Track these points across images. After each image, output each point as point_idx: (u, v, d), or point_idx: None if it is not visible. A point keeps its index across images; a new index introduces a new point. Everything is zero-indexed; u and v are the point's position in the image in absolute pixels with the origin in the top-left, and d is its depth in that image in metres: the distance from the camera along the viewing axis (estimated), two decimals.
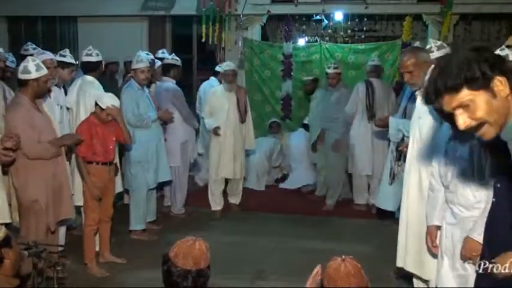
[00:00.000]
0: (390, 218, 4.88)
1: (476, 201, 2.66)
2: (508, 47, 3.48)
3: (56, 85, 4.59)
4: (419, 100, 3.35)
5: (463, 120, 1.59)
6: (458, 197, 2.75)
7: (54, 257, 3.16)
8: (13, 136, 3.62)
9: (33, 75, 3.78)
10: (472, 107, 1.57)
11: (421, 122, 3.28)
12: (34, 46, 5.80)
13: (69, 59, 4.74)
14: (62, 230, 4.44)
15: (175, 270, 2.02)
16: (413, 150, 3.39)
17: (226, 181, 6.14)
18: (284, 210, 6.23)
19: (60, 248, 3.95)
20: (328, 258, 1.99)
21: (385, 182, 4.42)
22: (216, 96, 6.00)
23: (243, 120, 5.99)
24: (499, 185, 2.29)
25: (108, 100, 4.28)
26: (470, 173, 2.67)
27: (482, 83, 1.54)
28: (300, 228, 5.57)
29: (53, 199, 3.92)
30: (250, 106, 7.48)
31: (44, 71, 3.84)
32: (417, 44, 4.26)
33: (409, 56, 3.39)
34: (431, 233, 2.97)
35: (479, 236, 2.49)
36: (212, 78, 7.17)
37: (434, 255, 3.03)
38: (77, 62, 5.31)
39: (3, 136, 3.63)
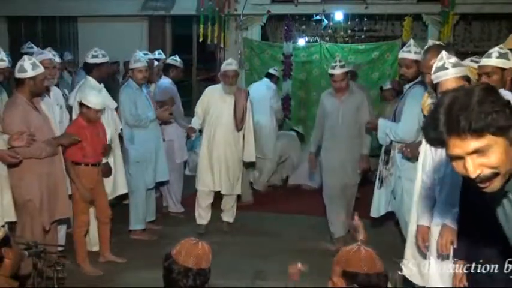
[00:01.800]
0: (390, 218, 4.88)
1: None
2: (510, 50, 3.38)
3: None
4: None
5: (475, 167, 1.41)
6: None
7: (53, 257, 3.17)
8: (23, 133, 3.61)
9: (30, 73, 3.77)
10: (489, 153, 1.40)
11: None
12: (31, 45, 5.80)
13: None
14: (62, 230, 4.44)
15: (176, 268, 2.03)
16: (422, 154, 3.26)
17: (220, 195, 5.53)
18: (284, 210, 6.23)
19: (60, 248, 3.95)
20: (327, 259, 2.01)
21: (376, 189, 4.25)
22: (211, 96, 5.33)
23: (238, 128, 5.31)
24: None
25: (92, 98, 4.22)
26: None
27: (506, 130, 1.39)
28: (300, 228, 5.56)
29: (47, 198, 3.90)
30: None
31: (41, 70, 3.84)
32: (411, 42, 4.14)
33: (432, 55, 3.13)
34: (423, 232, 2.96)
35: (452, 222, 2.53)
36: (264, 79, 7.17)
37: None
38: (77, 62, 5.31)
39: (13, 134, 3.62)
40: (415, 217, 3.19)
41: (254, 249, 4.91)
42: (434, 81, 2.81)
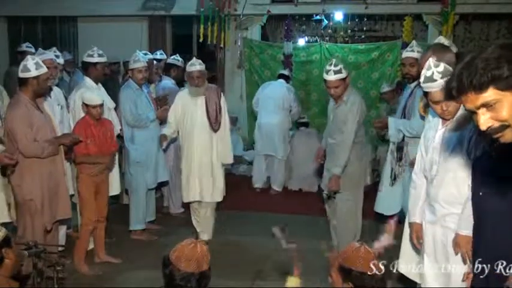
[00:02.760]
0: (389, 218, 4.87)
1: (460, 196, 2.67)
2: None
3: None
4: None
5: (484, 121, 1.49)
6: (442, 192, 2.75)
7: (54, 257, 3.17)
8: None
9: (33, 73, 3.78)
10: (497, 107, 1.47)
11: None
12: (30, 45, 5.79)
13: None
14: (62, 230, 4.44)
15: (178, 274, 2.03)
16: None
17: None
18: (284, 210, 6.22)
19: (60, 248, 3.96)
20: (327, 259, 2.02)
21: (383, 186, 4.33)
22: (183, 102, 4.99)
23: (214, 129, 4.97)
24: (488, 178, 2.31)
25: (88, 96, 4.27)
26: (459, 166, 2.67)
27: (511, 84, 1.44)
28: (300, 228, 5.56)
29: (49, 198, 3.90)
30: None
31: (44, 70, 3.85)
32: (414, 42, 4.19)
33: (429, 55, 3.09)
34: (417, 229, 2.97)
35: (467, 231, 2.52)
36: (279, 80, 7.12)
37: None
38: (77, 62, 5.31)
39: (2, 154, 3.64)
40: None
41: (254, 249, 4.91)
42: (424, 90, 2.80)
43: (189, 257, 2.05)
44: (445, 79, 2.62)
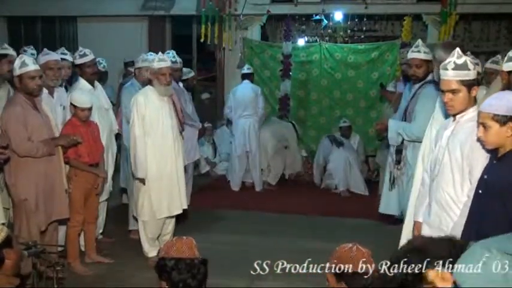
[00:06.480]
0: (390, 218, 4.88)
1: (457, 198, 2.68)
2: None
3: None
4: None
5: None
6: (440, 193, 2.76)
7: (53, 257, 3.17)
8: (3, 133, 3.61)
9: (16, 72, 3.74)
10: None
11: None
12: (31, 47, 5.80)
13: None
14: (62, 231, 4.44)
15: (185, 264, 2.07)
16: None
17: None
18: (284, 210, 6.23)
19: (60, 248, 3.96)
20: (327, 259, 2.02)
21: (386, 187, 4.33)
22: (147, 106, 4.34)
23: (182, 129, 4.69)
24: (486, 177, 2.34)
25: (77, 97, 4.24)
26: (458, 168, 2.68)
27: None
28: (299, 228, 5.57)
29: (44, 198, 3.87)
30: None
31: (28, 68, 3.73)
32: (420, 42, 4.16)
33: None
34: (419, 228, 2.99)
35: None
36: (245, 81, 7.10)
37: None
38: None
39: None
40: (411, 214, 3.20)
41: (254, 249, 4.91)
42: (447, 77, 2.68)
43: (190, 246, 2.13)
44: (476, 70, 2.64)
